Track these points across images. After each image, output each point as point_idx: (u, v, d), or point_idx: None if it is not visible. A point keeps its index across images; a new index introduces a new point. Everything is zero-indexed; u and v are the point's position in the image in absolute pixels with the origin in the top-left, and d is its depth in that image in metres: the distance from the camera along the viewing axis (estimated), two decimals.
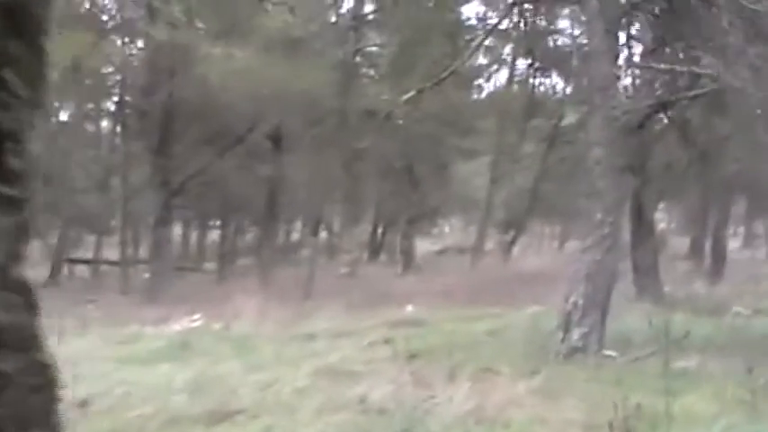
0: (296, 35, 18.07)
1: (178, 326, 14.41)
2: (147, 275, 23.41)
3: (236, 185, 22.28)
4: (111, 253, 39.83)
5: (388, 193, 32.67)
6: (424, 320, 13.55)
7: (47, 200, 27.34)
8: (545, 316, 13.38)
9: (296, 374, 7.90)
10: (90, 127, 32.50)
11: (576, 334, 8.39)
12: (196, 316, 15.23)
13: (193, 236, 39.16)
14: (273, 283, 20.89)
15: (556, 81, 36.05)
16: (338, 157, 19.99)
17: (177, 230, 36.43)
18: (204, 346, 11.40)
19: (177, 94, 20.27)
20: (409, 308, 15.83)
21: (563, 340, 8.47)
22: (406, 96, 12.63)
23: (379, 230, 41.54)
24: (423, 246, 52.03)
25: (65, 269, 34.91)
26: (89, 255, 35.82)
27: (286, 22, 17.89)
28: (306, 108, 18.49)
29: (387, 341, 10.92)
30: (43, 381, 1.60)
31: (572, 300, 8.53)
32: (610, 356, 8.43)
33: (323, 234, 41.05)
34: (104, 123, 32.53)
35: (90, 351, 11.37)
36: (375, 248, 40.65)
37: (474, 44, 19.01)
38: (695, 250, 31.58)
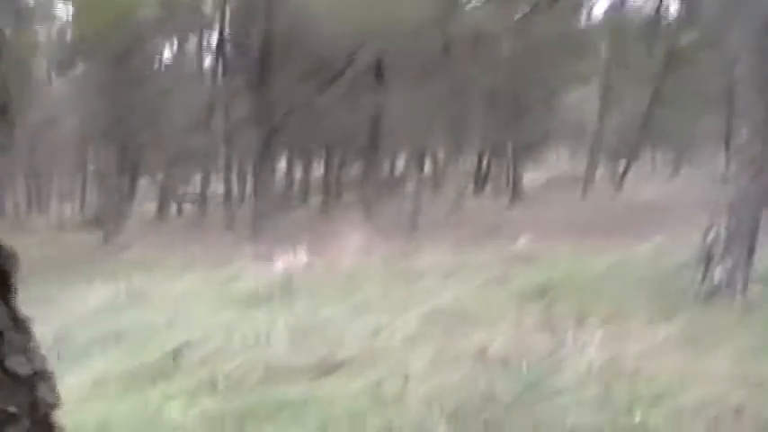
0: None
1: (282, 263, 14.00)
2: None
3: (338, 119, 21.64)
4: (220, 189, 40.23)
5: (494, 122, 31.49)
6: (538, 256, 12.70)
7: (151, 138, 27.50)
8: (669, 249, 12.40)
9: (406, 319, 7.27)
10: (192, 65, 32.36)
11: (718, 271, 7.46)
12: (300, 253, 14.82)
13: (298, 171, 39.04)
14: (378, 217, 20.32)
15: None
16: (442, 87, 18.99)
17: (282, 165, 36.43)
18: (308, 285, 10.93)
19: (275, 25, 19.64)
20: (521, 241, 14.98)
21: (703, 278, 7.55)
22: (517, 17, 11.58)
23: (485, 160, 40.27)
24: (530, 176, 50.88)
25: (173, 206, 35.47)
26: (197, 191, 36.18)
27: None
28: (407, 36, 17.53)
29: (502, 279, 10.18)
30: None
31: (713, 232, 7.58)
32: (759, 297, 7.51)
33: (427, 166, 40.38)
34: (207, 61, 32.46)
35: (190, 292, 11.09)
36: (481, 179, 39.52)
37: None
38: None
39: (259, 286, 11.10)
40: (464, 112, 22.15)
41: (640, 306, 7.42)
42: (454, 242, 15.86)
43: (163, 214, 31.08)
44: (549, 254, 13.00)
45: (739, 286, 7.43)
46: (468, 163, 44.32)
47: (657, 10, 31.31)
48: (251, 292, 10.70)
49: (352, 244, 15.20)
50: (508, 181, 33.83)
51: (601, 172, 42.68)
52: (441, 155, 47.05)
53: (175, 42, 29.04)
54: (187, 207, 36.00)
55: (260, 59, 20.57)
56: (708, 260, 7.56)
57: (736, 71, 7.72)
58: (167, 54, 30.32)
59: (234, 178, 27.06)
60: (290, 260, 14.43)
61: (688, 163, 49.60)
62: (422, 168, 20.05)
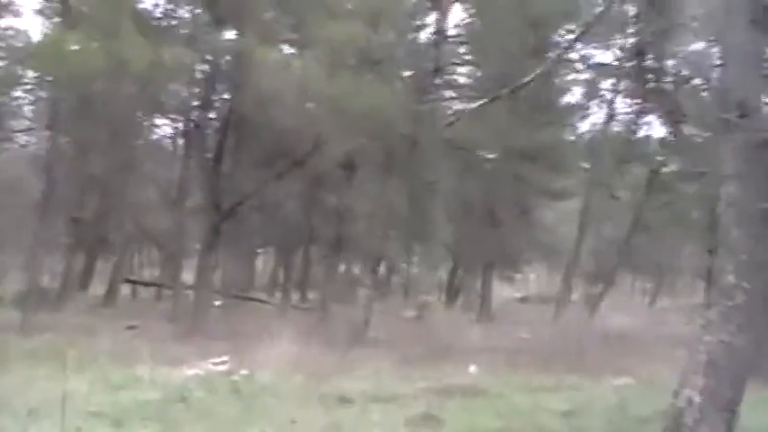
0: (366, 47, 15.92)
1: (197, 369, 12.32)
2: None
3: (294, 212, 20.33)
4: (188, 276, 38.54)
5: (467, 234, 30.20)
6: (485, 389, 11.04)
7: (113, 215, 26.00)
8: (635, 394, 10.81)
9: None
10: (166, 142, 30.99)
11: None
12: (222, 358, 13.16)
13: (261, 263, 37.47)
14: (327, 322, 18.71)
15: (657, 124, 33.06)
16: (406, 189, 17.67)
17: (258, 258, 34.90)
18: (207, 402, 9.25)
19: (238, 109, 18.45)
20: (472, 369, 13.37)
21: None
22: (476, 104, 10.28)
23: (458, 273, 38.84)
24: (504, 292, 49.34)
25: (127, 290, 33.68)
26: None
27: (355, 33, 15.74)
28: (373, 132, 16.29)
29: (431, 418, 8.51)
30: None
31: (686, 395, 6.04)
32: None
33: (383, 272, 38.89)
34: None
35: (72, 396, 9.35)
36: (453, 292, 38.02)
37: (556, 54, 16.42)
38: None
39: (152, 397, 9.38)
40: (430, 219, 20.71)
41: None
42: (399, 360, 14.26)
43: (110, 298, 29.23)
44: (498, 387, 11.33)
45: None
46: (438, 274, 43.26)
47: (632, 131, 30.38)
48: (138, 404, 8.98)
49: (285, 352, 13.54)
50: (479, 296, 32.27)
51: (576, 295, 41.40)
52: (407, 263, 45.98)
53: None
54: (146, 291, 34.31)
55: (218, 142, 19.31)
56: (677, 430, 5.99)
57: (722, 196, 6.31)
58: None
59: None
60: (209, 365, 12.78)
61: (667, 293, 48.57)
62: (375, 273, 18.45)
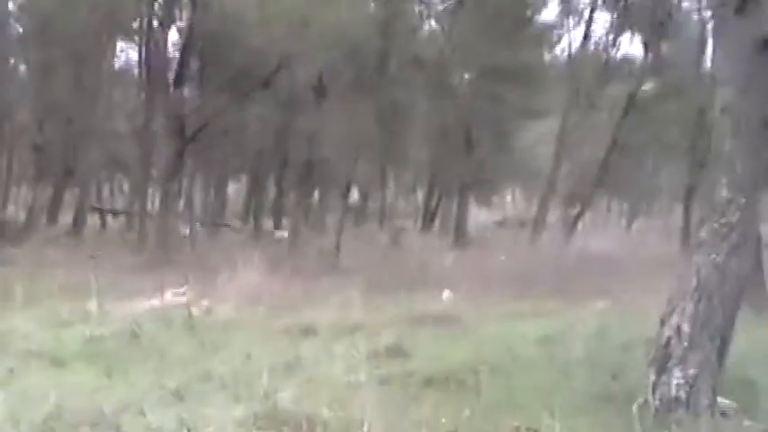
0: None
1: (154, 302, 11.72)
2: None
3: (263, 137, 19.49)
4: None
5: (442, 157, 29.47)
6: (458, 316, 10.48)
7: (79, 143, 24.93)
8: (615, 318, 10.32)
9: (228, 415, 5.01)
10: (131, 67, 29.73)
11: (676, 379, 5.31)
12: (182, 289, 12.51)
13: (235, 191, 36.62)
14: (296, 250, 18.07)
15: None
16: (382, 112, 16.84)
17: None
18: (159, 338, 8.63)
19: (197, 28, 17.45)
20: (445, 295, 12.83)
21: (655, 386, 5.40)
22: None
23: (434, 197, 38.13)
24: (481, 216, 48.82)
25: (96, 220, 32.81)
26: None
27: None
28: (339, 48, 15.40)
29: (398, 350, 7.94)
30: None
31: (674, 322, 5.44)
32: (730, 413, 5.38)
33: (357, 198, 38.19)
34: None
35: (12, 333, 8.71)
36: (429, 217, 37.38)
37: None
38: None
39: (100, 333, 8.74)
40: (405, 142, 19.93)
41: (567, 418, 5.23)
42: (370, 287, 13.67)
43: (78, 228, 28.39)
44: (472, 314, 10.77)
45: (705, 399, 5.30)
46: (418, 199, 42.60)
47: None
48: (85, 341, 8.36)
49: (250, 282, 12.95)
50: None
51: (554, 217, 40.97)
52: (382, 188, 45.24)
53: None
54: (115, 222, 33.48)
55: (179, 64, 18.34)
56: (663, 359, 5.42)
57: (715, 103, 5.61)
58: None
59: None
60: (168, 297, 12.16)
61: (644, 215, 48.28)
62: (346, 198, 17.75)
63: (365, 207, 40.74)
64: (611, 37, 30.44)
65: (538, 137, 36.15)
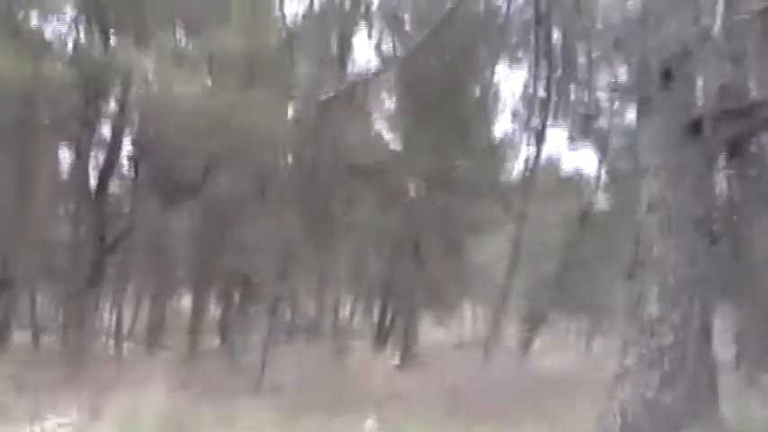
0: (255, 55, 14.23)
1: (32, 428, 10.27)
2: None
3: (187, 246, 18.37)
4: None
5: (392, 271, 28.44)
6: None
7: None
8: None
9: None
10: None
11: None
12: (70, 414, 11.10)
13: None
14: (216, 368, 16.69)
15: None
16: (306, 221, 15.86)
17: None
18: None
19: (120, 132, 16.56)
20: (368, 424, 11.54)
21: None
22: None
23: (388, 316, 36.80)
24: (438, 335, 47.31)
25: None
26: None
27: (245, 44, 14.05)
28: (265, 153, 14.55)
29: None
30: None
31: None
32: None
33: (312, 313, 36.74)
34: None
35: None
36: (383, 335, 35.92)
37: None
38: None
39: None
40: (355, 257, 18.88)
41: None
42: (285, 410, 12.35)
43: (4, 344, 26.54)
44: None
45: None
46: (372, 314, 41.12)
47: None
48: None
49: (153, 405, 11.53)
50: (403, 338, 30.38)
51: (512, 339, 39.70)
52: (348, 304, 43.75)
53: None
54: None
55: (102, 168, 17.33)
56: None
57: (642, 193, 4.64)
58: None
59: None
60: (45, 425, 10.71)
61: (604, 335, 47.10)
62: (275, 314, 16.53)
63: (317, 325, 39.27)
64: (563, 152, 30.28)
65: (494, 254, 35.37)
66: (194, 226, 19.71)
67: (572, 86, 26.50)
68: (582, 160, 53.25)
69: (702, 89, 4.51)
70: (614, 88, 21.54)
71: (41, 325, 28.57)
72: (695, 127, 4.48)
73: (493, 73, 24.25)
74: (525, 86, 25.38)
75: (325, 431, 10.41)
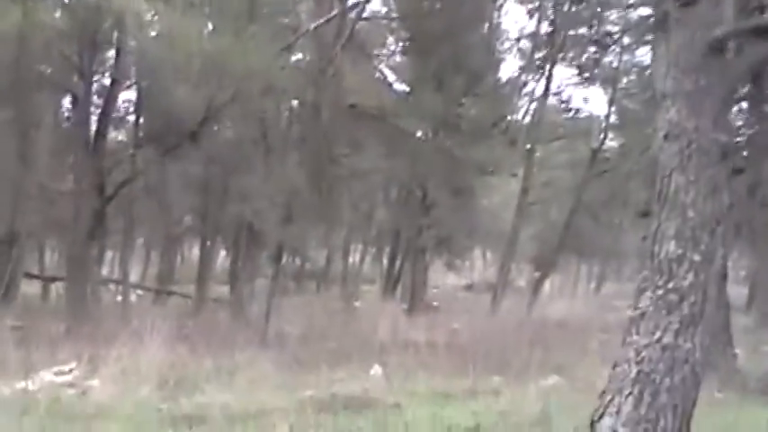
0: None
1: (30, 381, 10.02)
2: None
3: (188, 196, 18.04)
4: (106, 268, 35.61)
5: (401, 217, 28.12)
6: (379, 398, 8.93)
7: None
8: (564, 399, 8.81)
9: None
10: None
11: None
12: (70, 366, 10.86)
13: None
14: (219, 320, 16.46)
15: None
16: (310, 166, 15.46)
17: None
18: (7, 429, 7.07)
19: (119, 79, 16.10)
20: (374, 371, 11.27)
21: None
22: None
23: (398, 262, 36.54)
24: (449, 280, 47.18)
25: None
26: None
27: None
28: (266, 97, 14.11)
29: None
30: None
31: (606, 425, 3.98)
32: None
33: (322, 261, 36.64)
34: None
35: None
36: (392, 281, 35.69)
37: None
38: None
39: None
40: (339, 200, 18.51)
41: None
42: (290, 362, 12.12)
43: (8, 296, 26.41)
44: (397, 396, 9.24)
45: None
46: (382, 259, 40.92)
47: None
48: None
49: (153, 360, 11.29)
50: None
51: (522, 281, 39.50)
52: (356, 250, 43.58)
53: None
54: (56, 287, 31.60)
55: (99, 117, 16.92)
56: None
57: (655, 139, 4.22)
58: None
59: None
60: (50, 375, 10.48)
61: (614, 278, 46.91)
62: (279, 261, 16.22)
63: (327, 272, 39.12)
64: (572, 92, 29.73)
65: (504, 198, 34.98)
66: (197, 174, 19.31)
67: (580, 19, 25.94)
68: (591, 99, 52.44)
69: (727, 4, 4.08)
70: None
71: (49, 276, 28.44)
72: (718, 47, 4.07)
73: (499, 8, 23.68)
74: (533, 16, 24.75)
75: (328, 381, 10.12)
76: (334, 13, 14.63)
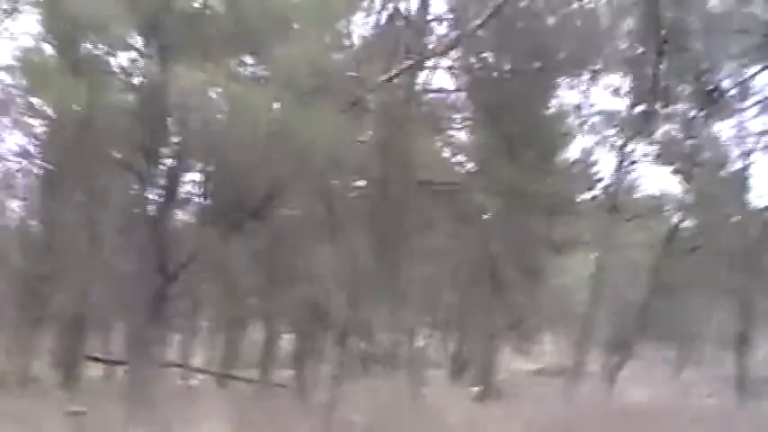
0: (322, 69, 13.33)
1: None
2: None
3: (250, 275, 17.55)
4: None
5: (467, 298, 27.24)
6: None
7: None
8: None
9: None
10: None
11: None
12: None
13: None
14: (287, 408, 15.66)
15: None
16: (377, 244, 14.82)
17: None
18: None
19: (184, 156, 15.86)
20: None
21: None
22: None
23: (465, 345, 35.48)
24: (518, 364, 45.66)
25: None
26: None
27: (310, 54, 13.19)
28: (332, 171, 13.64)
29: None
30: None
31: None
32: None
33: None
34: None
35: None
36: (460, 365, 34.63)
37: None
38: None
39: None
40: (406, 279, 17.77)
41: None
42: None
43: (70, 378, 26.04)
44: None
45: None
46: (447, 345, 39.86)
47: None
48: None
49: None
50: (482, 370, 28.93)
51: (595, 366, 37.88)
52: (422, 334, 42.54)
53: None
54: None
55: (166, 195, 16.65)
56: None
57: None
58: None
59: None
60: None
61: (693, 364, 44.76)
62: (343, 344, 15.48)
63: (394, 355, 38.12)
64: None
65: (576, 277, 33.77)
66: (261, 252, 18.88)
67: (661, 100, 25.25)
68: (666, 179, 51.05)
69: None
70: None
71: (112, 359, 28.08)
72: None
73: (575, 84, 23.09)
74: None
75: None
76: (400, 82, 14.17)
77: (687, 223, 29.05)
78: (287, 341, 32.38)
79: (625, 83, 24.72)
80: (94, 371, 30.64)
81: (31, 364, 26.53)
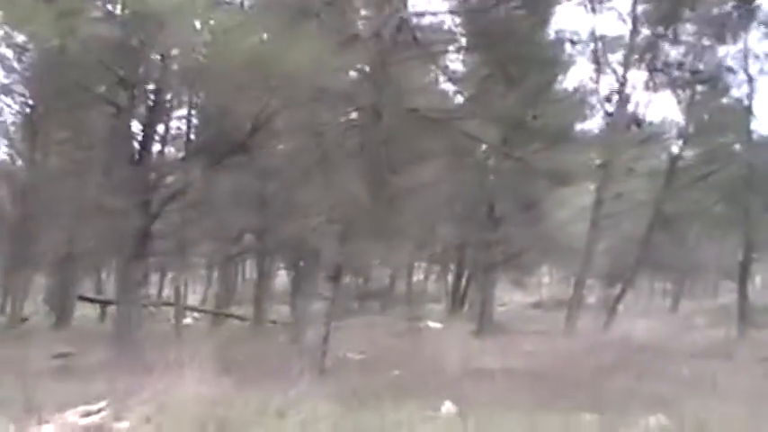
0: None
1: (54, 423, 8.83)
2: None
3: (238, 211, 16.89)
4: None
5: (466, 232, 26.69)
6: None
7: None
8: None
9: None
10: None
11: None
12: (101, 404, 9.62)
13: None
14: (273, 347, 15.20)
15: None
16: (369, 178, 14.09)
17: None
18: None
19: (163, 88, 15.07)
20: (445, 408, 9.82)
21: None
22: None
23: (463, 279, 35.09)
24: (516, 297, 45.43)
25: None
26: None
27: None
28: (321, 102, 12.89)
29: None
30: None
31: None
32: None
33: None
34: None
35: None
36: (457, 300, 34.26)
37: None
38: None
39: None
40: (401, 213, 17.11)
41: None
42: (351, 401, 10.68)
43: (62, 319, 25.63)
44: None
45: None
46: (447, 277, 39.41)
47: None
48: None
49: (192, 395, 10.00)
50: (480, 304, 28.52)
51: (593, 298, 37.52)
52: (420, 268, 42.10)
53: None
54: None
55: (144, 129, 15.91)
56: None
57: None
58: None
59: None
60: (72, 419, 9.25)
61: (689, 295, 44.51)
62: (338, 280, 14.87)
63: (391, 291, 37.78)
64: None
65: (574, 210, 33.21)
66: (248, 188, 18.21)
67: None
68: (667, 107, 50.12)
69: None
70: None
71: (103, 299, 27.72)
72: None
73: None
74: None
75: (394, 424, 8.70)
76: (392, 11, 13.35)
77: (689, 152, 28.24)
78: (281, 278, 32.06)
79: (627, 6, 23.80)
80: (89, 310, 30.32)
81: (22, 305, 26.25)
